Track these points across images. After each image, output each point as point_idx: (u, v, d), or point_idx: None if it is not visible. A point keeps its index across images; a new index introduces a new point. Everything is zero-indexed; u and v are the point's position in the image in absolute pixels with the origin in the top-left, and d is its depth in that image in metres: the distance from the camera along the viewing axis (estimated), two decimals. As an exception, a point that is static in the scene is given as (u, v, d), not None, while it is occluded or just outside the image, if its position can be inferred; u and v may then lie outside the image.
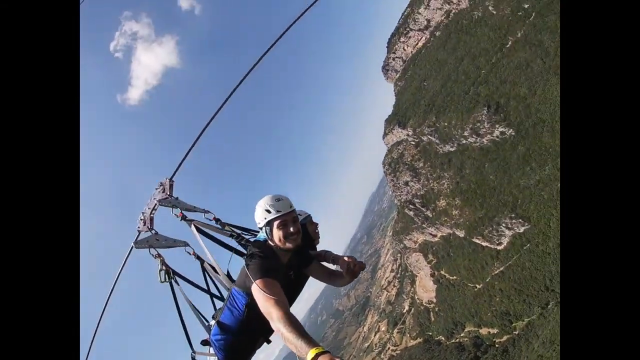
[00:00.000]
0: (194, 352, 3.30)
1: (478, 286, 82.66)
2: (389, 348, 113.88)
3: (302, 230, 3.23)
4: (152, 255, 3.35)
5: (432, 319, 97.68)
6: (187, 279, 3.44)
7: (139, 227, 3.49)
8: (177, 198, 3.58)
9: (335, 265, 3.20)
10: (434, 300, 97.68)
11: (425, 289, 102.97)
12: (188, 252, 3.51)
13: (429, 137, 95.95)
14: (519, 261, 73.83)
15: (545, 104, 71.40)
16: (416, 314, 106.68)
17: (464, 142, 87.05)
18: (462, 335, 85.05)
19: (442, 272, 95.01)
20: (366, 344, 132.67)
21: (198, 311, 3.30)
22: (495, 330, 76.04)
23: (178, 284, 3.39)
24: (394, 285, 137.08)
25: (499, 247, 78.48)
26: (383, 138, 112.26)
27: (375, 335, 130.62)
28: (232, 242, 3.28)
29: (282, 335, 1.89)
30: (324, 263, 3.28)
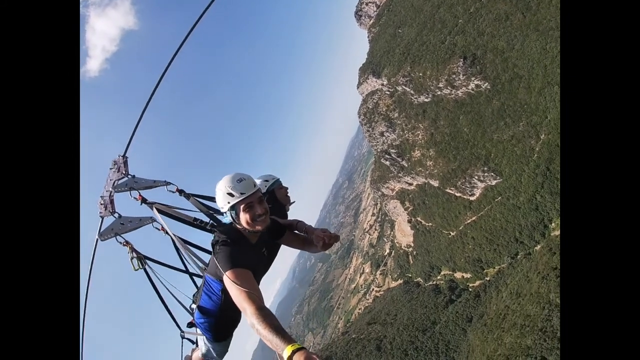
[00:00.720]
0: (182, 332, 3.31)
1: (452, 233, 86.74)
2: (373, 289, 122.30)
3: (271, 196, 3.32)
4: (120, 243, 3.20)
5: (411, 262, 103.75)
6: (161, 262, 3.30)
7: (100, 213, 3.28)
8: (133, 176, 3.42)
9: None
10: (412, 244, 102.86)
11: (404, 234, 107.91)
12: (157, 228, 3.25)
13: (403, 87, 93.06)
14: (491, 212, 76.80)
15: (522, 60, 68.89)
16: (396, 256, 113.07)
17: (439, 93, 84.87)
18: (438, 278, 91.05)
19: (419, 219, 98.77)
20: (352, 285, 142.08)
21: (176, 297, 3.18)
22: (468, 275, 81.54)
23: (152, 269, 3.24)
24: (375, 229, 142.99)
25: (472, 198, 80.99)
26: (357, 87, 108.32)
27: (360, 277, 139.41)
28: (201, 216, 3.04)
29: (256, 330, 1.83)
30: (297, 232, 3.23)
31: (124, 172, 3.40)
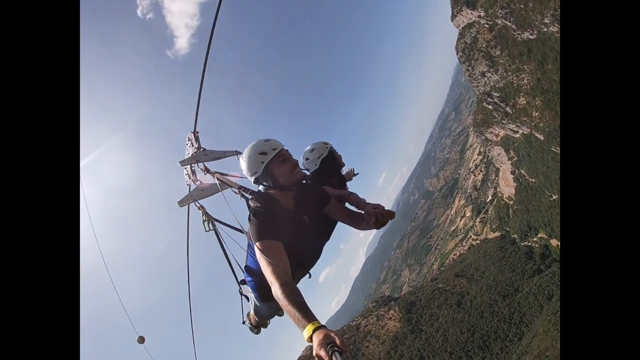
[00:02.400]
0: (240, 288, 3.50)
1: (554, 196, 76.33)
2: (470, 236, 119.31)
3: (330, 157, 3.45)
4: (197, 207, 3.61)
5: (511, 215, 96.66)
6: (227, 223, 3.53)
7: (186, 182, 3.84)
8: (204, 149, 3.72)
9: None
10: (513, 197, 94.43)
11: (507, 183, 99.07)
12: (234, 192, 3.29)
13: (503, 20, 76.53)
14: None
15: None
16: (497, 206, 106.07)
17: (545, 30, 67.60)
18: (534, 239, 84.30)
19: (522, 172, 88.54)
20: (452, 228, 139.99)
21: (233, 257, 3.44)
22: (566, 245, 73.19)
23: (220, 231, 3.57)
24: (480, 171, 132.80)
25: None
26: (452, 19, 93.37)
27: (460, 220, 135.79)
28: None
29: (280, 303, 1.85)
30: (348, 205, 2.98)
31: (196, 147, 3.71)
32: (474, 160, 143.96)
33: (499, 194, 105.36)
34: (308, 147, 3.56)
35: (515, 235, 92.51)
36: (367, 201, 2.78)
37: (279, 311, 3.31)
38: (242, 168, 2.54)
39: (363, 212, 2.70)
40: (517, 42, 76.57)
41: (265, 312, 3.31)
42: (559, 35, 65.75)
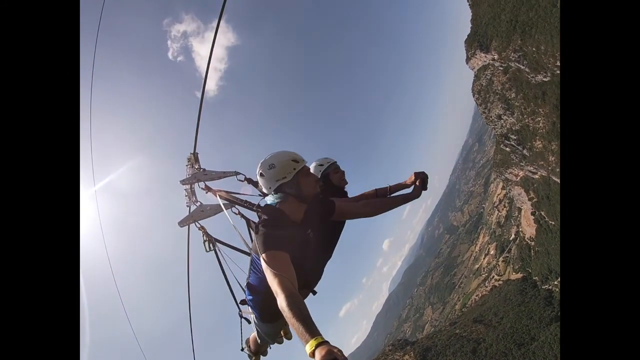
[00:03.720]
0: (240, 310, 3.40)
1: (576, 242, 73.33)
2: (493, 276, 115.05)
3: (326, 180, 3.48)
4: (197, 227, 3.61)
5: (532, 256, 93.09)
6: (228, 244, 3.59)
7: (186, 203, 3.81)
8: (204, 170, 3.77)
9: (404, 189, 3.18)
10: (535, 238, 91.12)
11: (529, 223, 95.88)
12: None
13: (516, 63, 77.08)
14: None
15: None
16: (520, 246, 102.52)
17: (558, 72, 67.35)
18: (555, 283, 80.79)
19: (542, 214, 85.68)
20: (476, 266, 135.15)
21: (233, 274, 3.43)
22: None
23: (220, 252, 3.58)
24: (504, 206, 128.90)
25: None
26: (467, 62, 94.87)
27: (484, 259, 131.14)
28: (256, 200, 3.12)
29: (285, 316, 1.80)
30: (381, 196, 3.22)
31: (196, 168, 3.77)
32: (498, 195, 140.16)
33: (521, 234, 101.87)
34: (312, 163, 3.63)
35: (536, 278, 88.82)
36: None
37: (280, 335, 3.38)
38: (263, 174, 2.49)
39: (407, 188, 3.05)
40: (532, 84, 76.52)
41: (267, 333, 3.22)
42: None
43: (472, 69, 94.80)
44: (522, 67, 76.30)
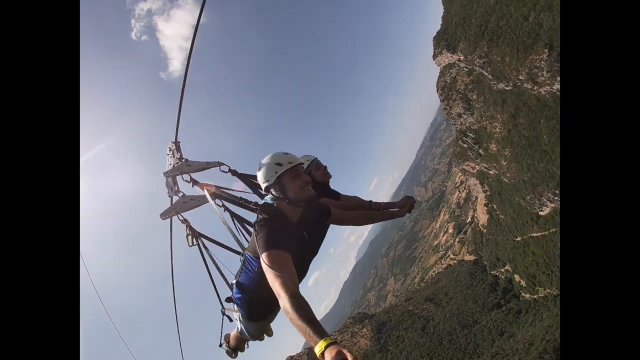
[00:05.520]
0: (223, 307, 3.31)
1: (518, 238, 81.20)
2: (449, 255, 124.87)
3: (310, 177, 3.29)
4: (180, 220, 3.52)
5: (484, 242, 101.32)
6: (212, 239, 3.52)
7: (168, 193, 3.64)
8: (186, 160, 3.57)
9: (394, 208, 3.22)
10: (486, 226, 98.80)
11: (482, 211, 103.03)
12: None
13: (480, 69, 79.54)
14: (554, 237, 68.95)
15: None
16: (474, 230, 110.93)
17: (520, 85, 70.79)
18: (502, 270, 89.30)
19: (494, 206, 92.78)
20: (435, 242, 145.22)
21: (221, 267, 3.36)
22: (524, 284, 78.62)
23: (206, 248, 3.51)
24: (465, 188, 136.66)
25: (540, 213, 72.62)
26: (433, 58, 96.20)
27: (443, 236, 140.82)
28: (249, 196, 3.13)
29: (289, 317, 1.78)
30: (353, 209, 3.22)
31: (177, 157, 3.54)
32: (460, 177, 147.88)
33: (476, 219, 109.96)
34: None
35: (486, 263, 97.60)
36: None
37: (263, 333, 3.36)
38: (257, 173, 2.53)
39: (397, 207, 3.20)
40: (493, 90, 79.62)
41: (252, 332, 3.21)
42: (533, 92, 69.13)
43: (438, 65, 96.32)
44: (486, 74, 78.87)
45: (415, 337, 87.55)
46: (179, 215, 3.53)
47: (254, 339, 3.43)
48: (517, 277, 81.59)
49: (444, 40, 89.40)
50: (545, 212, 71.45)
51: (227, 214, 3.39)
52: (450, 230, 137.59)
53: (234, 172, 3.46)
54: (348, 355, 1.43)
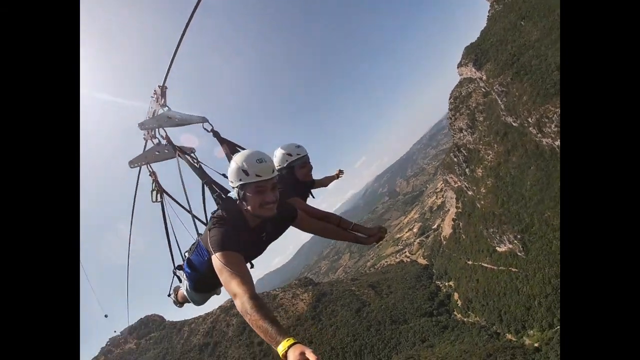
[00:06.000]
0: (175, 269, 3.18)
1: (469, 262, 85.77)
2: (405, 252, 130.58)
3: (290, 172, 3.22)
4: (148, 172, 3.35)
5: (440, 253, 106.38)
6: (176, 200, 3.37)
7: (144, 136, 3.37)
8: (169, 109, 3.27)
9: (364, 235, 2.97)
10: (447, 239, 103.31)
11: (449, 224, 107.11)
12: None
13: (497, 96, 79.33)
14: (500, 275, 73.59)
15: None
16: (436, 238, 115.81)
17: (526, 126, 71.62)
18: (447, 284, 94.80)
19: (460, 224, 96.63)
20: (398, 235, 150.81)
21: (176, 239, 3.24)
22: (460, 304, 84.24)
23: (168, 205, 3.35)
24: (442, 197, 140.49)
25: (498, 248, 76.71)
26: (457, 67, 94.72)
27: (407, 232, 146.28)
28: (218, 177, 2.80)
29: (249, 319, 1.74)
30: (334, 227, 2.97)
31: (161, 104, 3.25)
32: (441, 184, 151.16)
33: (441, 229, 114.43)
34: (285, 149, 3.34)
35: (434, 271, 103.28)
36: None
37: (206, 300, 3.29)
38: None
39: (365, 234, 2.97)
40: (500, 120, 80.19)
41: (196, 300, 3.17)
42: (535, 138, 70.21)
43: (460, 75, 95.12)
44: (500, 102, 78.85)
45: (348, 316, 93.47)
46: (148, 165, 3.38)
47: (197, 305, 3.43)
48: (456, 296, 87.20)
49: (474, 54, 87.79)
50: (501, 249, 75.42)
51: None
52: (415, 230, 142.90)
53: (216, 134, 3.19)
54: (311, 355, 1.41)
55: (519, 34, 78.76)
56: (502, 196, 76.51)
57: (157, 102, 3.26)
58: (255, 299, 1.82)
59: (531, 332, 62.92)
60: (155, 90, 3.25)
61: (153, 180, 3.39)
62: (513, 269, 70.93)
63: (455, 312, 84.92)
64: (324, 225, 2.92)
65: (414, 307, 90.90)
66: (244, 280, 1.93)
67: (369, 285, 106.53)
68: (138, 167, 3.38)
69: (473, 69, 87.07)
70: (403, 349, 78.44)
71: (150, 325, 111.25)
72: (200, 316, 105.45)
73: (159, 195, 3.36)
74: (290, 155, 3.26)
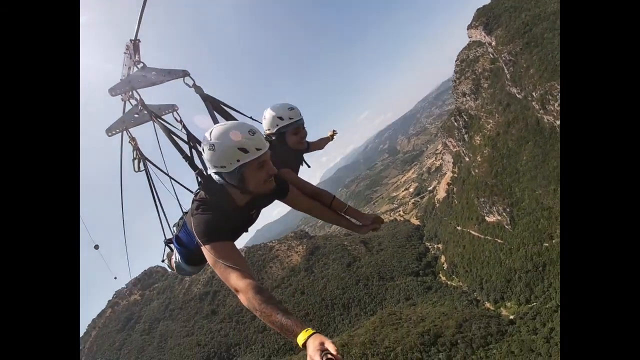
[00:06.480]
0: (166, 240, 3.02)
1: (459, 227, 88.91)
2: (400, 211, 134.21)
3: (281, 137, 2.86)
4: (128, 138, 3.09)
5: (432, 215, 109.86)
6: (160, 168, 3.10)
7: (122, 98, 3.02)
8: (144, 66, 2.95)
9: (355, 220, 2.74)
10: (440, 202, 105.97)
11: (444, 188, 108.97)
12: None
13: (504, 65, 76.87)
14: (486, 244, 76.59)
15: None
16: (430, 199, 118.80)
17: (530, 99, 70.43)
18: (436, 246, 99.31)
19: (454, 189, 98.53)
20: (394, 194, 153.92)
21: (165, 215, 3.01)
22: (445, 267, 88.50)
23: (153, 173, 3.13)
24: (441, 158, 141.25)
25: (487, 218, 79.19)
26: (467, 28, 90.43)
27: (403, 192, 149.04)
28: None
29: (259, 313, 1.64)
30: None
31: (135, 60, 2.90)
32: (441, 146, 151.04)
33: (435, 192, 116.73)
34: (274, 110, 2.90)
35: (425, 233, 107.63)
36: (358, 209, 2.71)
37: (198, 271, 3.10)
38: (202, 152, 2.03)
39: (359, 221, 2.74)
40: (504, 90, 78.51)
41: (187, 271, 2.97)
42: (537, 114, 69.39)
43: (469, 37, 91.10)
44: (506, 71, 76.67)
45: (339, 269, 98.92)
46: (127, 132, 3.03)
47: (189, 276, 3.82)
48: (443, 258, 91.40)
49: (485, 17, 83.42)
50: (490, 219, 77.89)
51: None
52: (411, 190, 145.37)
53: (198, 90, 2.89)
54: (330, 345, 1.39)
55: (535, 2, 74.40)
56: (497, 167, 77.30)
57: (130, 59, 2.90)
58: (261, 292, 1.71)
59: (509, 304, 66.45)
60: (127, 45, 2.87)
61: (134, 147, 3.08)
62: (499, 240, 73.79)
63: (440, 275, 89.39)
64: (315, 205, 2.69)
65: (401, 265, 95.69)
66: (242, 274, 1.81)
67: (361, 241, 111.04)
68: (119, 134, 3.08)
69: (483, 33, 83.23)
70: (388, 305, 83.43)
71: (154, 276, 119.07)
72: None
73: (141, 164, 3.09)
74: (281, 119, 2.84)
